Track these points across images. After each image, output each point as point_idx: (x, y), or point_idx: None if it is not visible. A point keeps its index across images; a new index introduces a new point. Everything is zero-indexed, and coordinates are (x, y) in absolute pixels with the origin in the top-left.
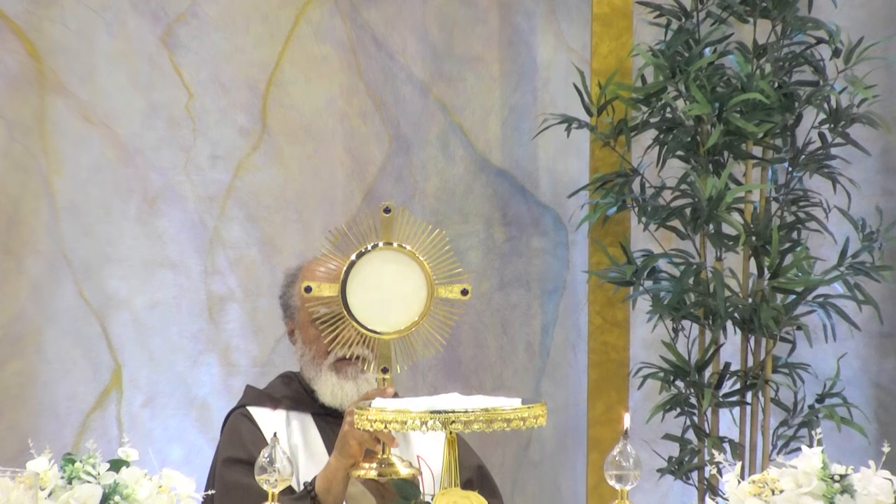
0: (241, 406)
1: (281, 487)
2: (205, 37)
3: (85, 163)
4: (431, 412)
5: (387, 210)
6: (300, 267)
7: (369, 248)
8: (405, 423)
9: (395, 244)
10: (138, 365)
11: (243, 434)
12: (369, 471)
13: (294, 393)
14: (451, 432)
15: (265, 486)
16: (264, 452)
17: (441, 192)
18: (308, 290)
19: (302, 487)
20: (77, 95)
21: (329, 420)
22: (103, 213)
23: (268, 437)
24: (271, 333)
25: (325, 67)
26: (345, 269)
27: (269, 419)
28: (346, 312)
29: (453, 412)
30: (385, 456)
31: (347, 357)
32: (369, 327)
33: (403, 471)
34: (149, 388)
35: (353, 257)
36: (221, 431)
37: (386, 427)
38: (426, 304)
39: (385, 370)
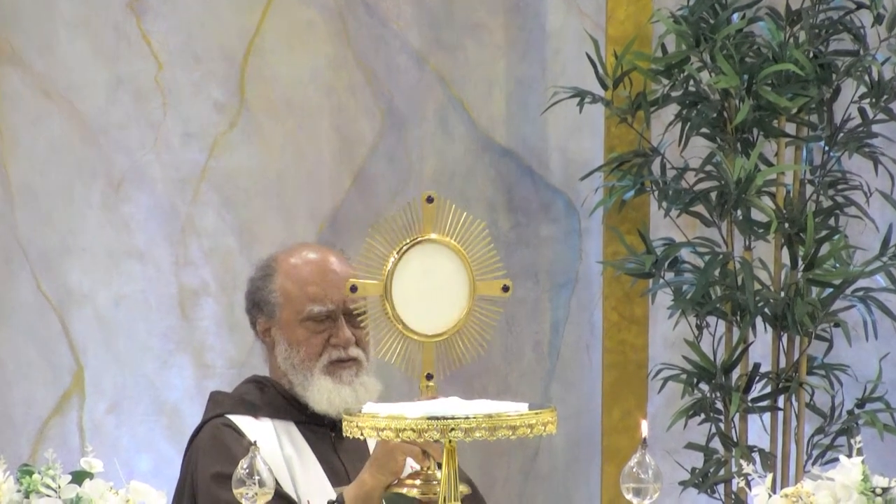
0: (218, 415)
1: (261, 503)
2: (176, 1)
3: (43, 142)
4: (429, 419)
5: (429, 199)
6: (275, 258)
7: (412, 241)
8: (400, 431)
9: (441, 237)
10: (102, 366)
11: (231, 446)
12: (411, 489)
13: (272, 400)
14: (450, 441)
15: (244, 502)
16: (243, 463)
17: (439, 174)
18: (354, 289)
19: None
20: (34, 67)
21: (313, 428)
22: (63, 198)
23: (260, 448)
24: (249, 331)
25: (309, 35)
26: (389, 265)
27: (256, 429)
28: (390, 314)
29: (453, 419)
30: (431, 472)
31: (344, 359)
32: (415, 330)
33: None
34: (114, 392)
35: (394, 253)
36: (191, 443)
37: (378, 435)
38: (468, 303)
39: (430, 377)
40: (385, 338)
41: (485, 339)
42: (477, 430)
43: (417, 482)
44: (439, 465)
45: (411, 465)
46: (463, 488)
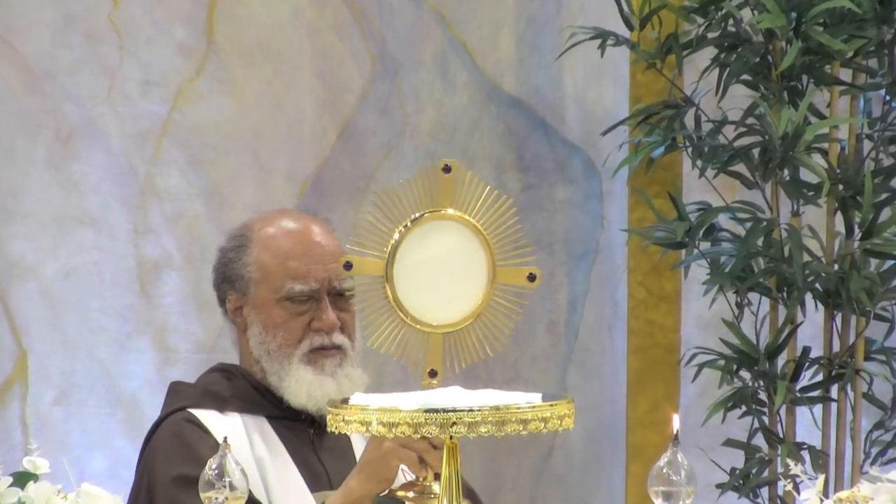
0: (179, 409)
1: None
2: None
3: None
4: (426, 411)
5: (446, 169)
6: (249, 226)
7: (421, 214)
8: (393, 425)
9: (458, 213)
10: (48, 350)
11: (194, 444)
12: (404, 501)
13: (241, 391)
14: (451, 437)
15: None
16: (211, 463)
17: (439, 128)
18: (348, 266)
19: None
20: None
21: (288, 424)
22: (3, 154)
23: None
24: (219, 311)
25: None
26: (393, 240)
27: (222, 425)
28: (390, 298)
29: (455, 411)
30: (429, 483)
31: (327, 347)
32: (419, 318)
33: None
34: (62, 381)
35: (398, 228)
36: (148, 441)
37: (367, 431)
38: (486, 292)
39: (433, 374)
40: (382, 325)
41: (503, 335)
42: (482, 424)
43: (411, 494)
44: (438, 476)
45: (405, 472)
46: None
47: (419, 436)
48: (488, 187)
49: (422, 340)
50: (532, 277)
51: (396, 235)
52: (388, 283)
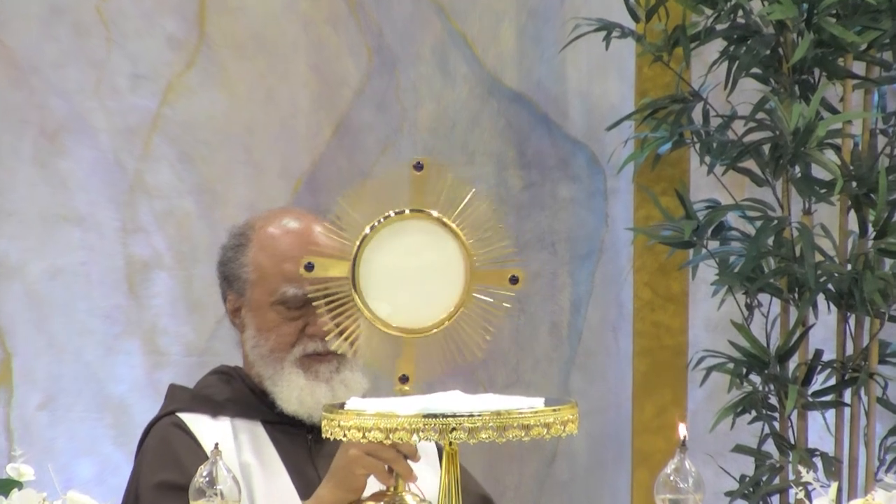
0: (169, 413)
1: None
2: None
3: None
4: (425, 416)
5: (418, 166)
6: (251, 225)
7: (388, 216)
8: (391, 431)
9: (430, 213)
10: (34, 353)
11: (178, 450)
12: None
13: (238, 395)
14: (451, 443)
15: None
16: (202, 470)
17: (438, 123)
18: (309, 267)
19: None
20: None
21: (286, 430)
22: None
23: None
24: (211, 311)
25: None
26: (359, 241)
27: (209, 430)
28: (357, 301)
29: (454, 417)
30: (399, 493)
31: (321, 353)
32: (388, 322)
33: None
34: (48, 385)
35: (367, 228)
36: (140, 447)
37: (365, 437)
38: (462, 294)
39: (405, 379)
40: (350, 328)
41: (484, 339)
42: (483, 430)
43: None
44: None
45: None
46: None
47: (418, 442)
48: (468, 185)
49: (393, 345)
50: (514, 280)
51: (363, 235)
52: (355, 285)
